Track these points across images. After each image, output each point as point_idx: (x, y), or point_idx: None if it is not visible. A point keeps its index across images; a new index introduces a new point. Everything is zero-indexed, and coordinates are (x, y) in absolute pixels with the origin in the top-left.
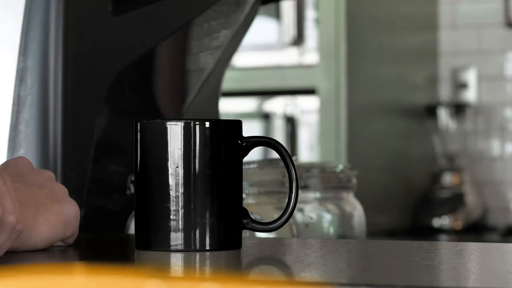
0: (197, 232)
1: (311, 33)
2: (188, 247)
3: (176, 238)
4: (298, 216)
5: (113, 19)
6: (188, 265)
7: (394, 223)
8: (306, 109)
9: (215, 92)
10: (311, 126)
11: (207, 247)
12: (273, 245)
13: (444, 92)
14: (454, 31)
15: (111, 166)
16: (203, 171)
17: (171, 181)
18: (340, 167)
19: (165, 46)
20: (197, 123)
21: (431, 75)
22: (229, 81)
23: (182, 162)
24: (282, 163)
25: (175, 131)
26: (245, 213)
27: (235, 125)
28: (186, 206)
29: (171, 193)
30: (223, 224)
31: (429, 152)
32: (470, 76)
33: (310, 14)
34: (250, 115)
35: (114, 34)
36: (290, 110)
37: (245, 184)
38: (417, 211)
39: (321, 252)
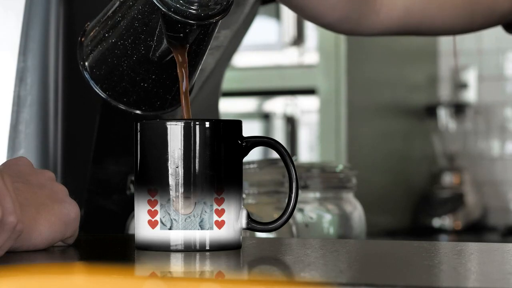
0: (197, 232)
1: (311, 33)
2: (188, 247)
3: (176, 238)
4: (298, 216)
5: None
6: (188, 265)
7: (394, 223)
8: (306, 109)
9: (215, 92)
10: (311, 126)
11: (207, 247)
12: (273, 245)
13: (444, 92)
14: None
15: (111, 166)
16: (203, 171)
17: (171, 181)
18: (340, 167)
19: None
20: (197, 123)
21: (431, 75)
22: (229, 81)
23: (182, 162)
24: (282, 163)
25: (175, 131)
26: (245, 213)
27: (235, 125)
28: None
29: (171, 193)
30: (223, 224)
31: (429, 152)
32: (470, 76)
33: None
34: (250, 115)
35: None
36: (290, 110)
37: (245, 184)
38: (417, 211)
39: (321, 252)
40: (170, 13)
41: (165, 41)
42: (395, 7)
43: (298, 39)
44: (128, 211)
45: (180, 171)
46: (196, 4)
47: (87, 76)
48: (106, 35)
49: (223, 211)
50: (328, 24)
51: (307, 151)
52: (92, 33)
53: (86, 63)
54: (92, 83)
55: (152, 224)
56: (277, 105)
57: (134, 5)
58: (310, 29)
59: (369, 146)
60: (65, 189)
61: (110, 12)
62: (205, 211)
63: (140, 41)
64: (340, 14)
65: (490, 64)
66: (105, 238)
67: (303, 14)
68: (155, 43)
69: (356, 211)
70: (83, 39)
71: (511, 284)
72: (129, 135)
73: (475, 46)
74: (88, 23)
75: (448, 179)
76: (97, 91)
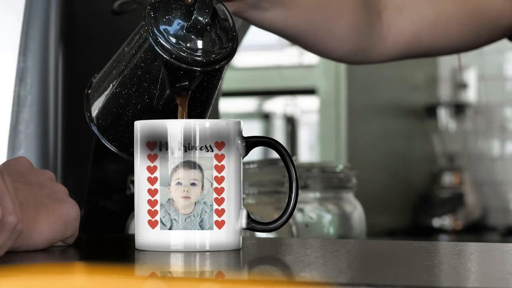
0: (197, 232)
1: None
2: (188, 247)
3: (176, 238)
4: (298, 216)
5: (113, 19)
6: (188, 265)
7: (394, 223)
8: (306, 109)
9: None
10: (311, 126)
11: (207, 247)
12: (273, 245)
13: (444, 92)
14: None
15: (111, 166)
16: (203, 171)
17: (171, 181)
18: (340, 167)
19: None
20: (197, 123)
21: (431, 75)
22: (229, 81)
23: (182, 162)
24: (282, 163)
25: (175, 131)
26: (245, 213)
27: (235, 125)
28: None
29: (171, 193)
30: (223, 224)
31: (429, 152)
32: (470, 76)
33: None
34: (250, 115)
35: (114, 34)
36: (290, 110)
37: (245, 184)
38: (417, 211)
39: (321, 252)
40: (172, 60)
41: (168, 88)
42: (402, 33)
43: None
44: (128, 211)
45: (180, 171)
46: (200, 50)
47: (94, 129)
48: (111, 84)
49: (223, 211)
50: (339, 57)
51: (307, 151)
52: (97, 84)
53: (93, 115)
54: (99, 134)
55: (152, 224)
56: (277, 105)
57: (137, 53)
58: None
59: (369, 146)
60: (65, 189)
61: (115, 62)
62: (205, 211)
63: (143, 90)
64: (349, 46)
65: (490, 64)
66: (105, 238)
67: (314, 51)
68: (158, 91)
69: (356, 211)
70: (89, 91)
71: (511, 284)
72: None
73: None
74: (95, 75)
75: (448, 179)
76: (105, 143)
